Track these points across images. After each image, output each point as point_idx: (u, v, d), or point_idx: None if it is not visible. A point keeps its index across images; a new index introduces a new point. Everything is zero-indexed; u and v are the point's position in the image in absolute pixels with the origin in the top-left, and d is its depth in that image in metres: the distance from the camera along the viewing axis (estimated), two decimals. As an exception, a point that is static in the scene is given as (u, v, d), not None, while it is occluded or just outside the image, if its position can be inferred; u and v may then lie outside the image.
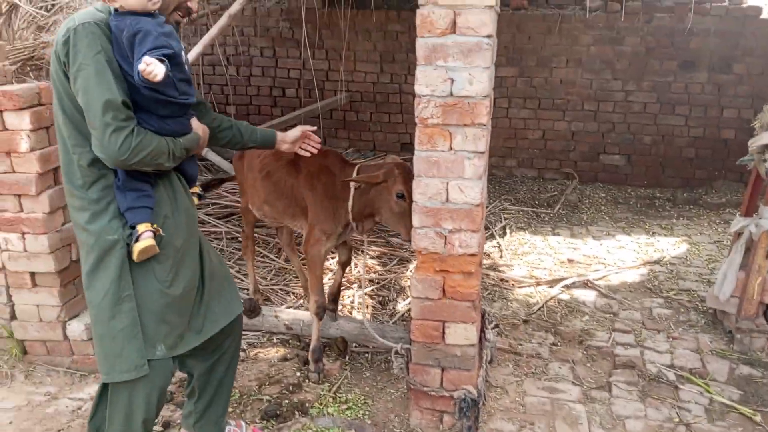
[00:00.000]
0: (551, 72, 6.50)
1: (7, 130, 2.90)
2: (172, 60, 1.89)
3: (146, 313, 2.01)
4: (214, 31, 4.44)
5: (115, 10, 1.89)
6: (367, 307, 3.90)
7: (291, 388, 3.02)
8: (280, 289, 4.07)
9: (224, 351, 2.40)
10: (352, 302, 3.92)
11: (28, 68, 4.39)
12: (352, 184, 2.95)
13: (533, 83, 6.57)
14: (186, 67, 2.00)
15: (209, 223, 4.81)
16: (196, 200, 2.28)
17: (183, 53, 1.97)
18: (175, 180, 2.12)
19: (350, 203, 2.98)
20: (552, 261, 4.58)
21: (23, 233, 3.01)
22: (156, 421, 2.71)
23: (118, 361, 2.01)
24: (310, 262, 3.15)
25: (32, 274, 3.07)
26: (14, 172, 2.95)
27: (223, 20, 4.37)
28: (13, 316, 3.17)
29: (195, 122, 2.16)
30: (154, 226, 1.99)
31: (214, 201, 5.12)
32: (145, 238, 1.95)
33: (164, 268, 2.04)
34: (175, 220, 2.08)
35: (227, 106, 7.26)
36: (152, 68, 1.76)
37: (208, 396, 2.46)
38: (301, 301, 3.92)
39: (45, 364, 3.17)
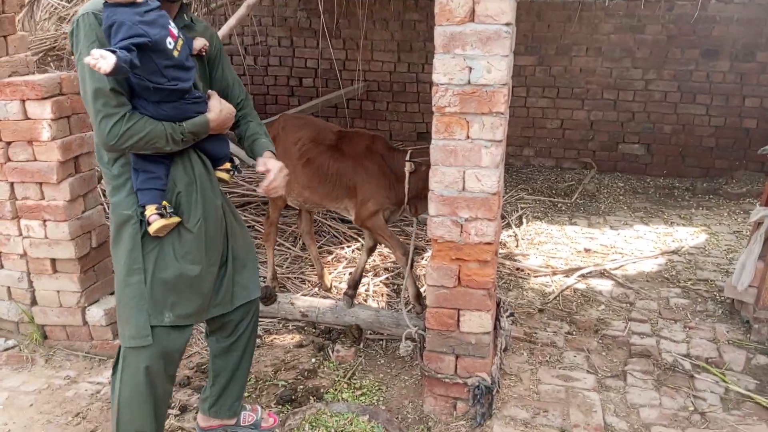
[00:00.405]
0: (571, 60, 6.43)
1: (29, 119, 2.96)
2: (151, 48, 1.88)
3: (157, 281, 2.11)
4: (232, 21, 4.46)
5: (105, 1, 1.91)
6: (382, 295, 3.92)
7: (306, 373, 3.06)
8: (296, 277, 4.11)
9: (239, 335, 2.45)
10: (367, 290, 3.94)
11: (50, 58, 4.47)
12: (407, 168, 3.15)
13: (552, 72, 6.50)
14: (176, 53, 1.97)
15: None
16: (224, 176, 2.29)
17: (170, 39, 1.95)
18: (195, 159, 2.16)
19: (407, 186, 3.19)
20: (568, 250, 4.56)
21: (44, 220, 3.07)
22: (173, 405, 2.78)
23: (127, 327, 2.14)
24: (375, 229, 3.34)
25: (53, 261, 3.13)
26: (36, 160, 3.01)
27: (241, 10, 4.39)
28: (33, 302, 3.24)
29: (214, 102, 2.16)
30: (164, 202, 2.06)
31: (231, 190, 5.16)
32: (153, 221, 2.04)
33: (177, 240, 2.12)
34: (190, 198, 2.14)
35: (245, 96, 7.29)
36: (95, 62, 1.73)
37: (223, 380, 2.50)
38: (316, 289, 3.95)
39: (65, 349, 3.24)
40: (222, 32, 4.45)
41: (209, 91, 2.20)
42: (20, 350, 3.21)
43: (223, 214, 2.29)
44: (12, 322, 3.30)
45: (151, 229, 2.04)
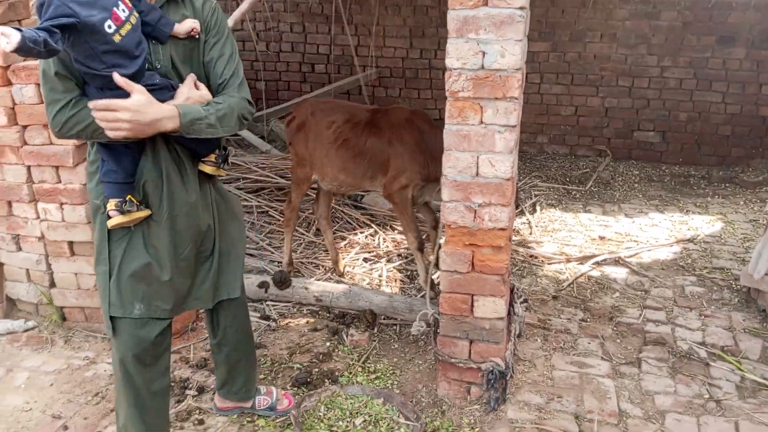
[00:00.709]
0: (585, 47, 6.36)
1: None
2: (83, 30, 1.71)
3: (125, 272, 2.05)
4: (245, 6, 4.45)
5: None
6: (395, 281, 3.92)
7: (321, 357, 3.08)
8: (310, 262, 4.12)
9: (224, 334, 2.43)
10: (380, 276, 3.95)
11: (65, 43, 4.43)
12: None
13: (566, 58, 6.44)
14: (117, 38, 1.78)
15: (239, 197, 4.86)
16: (208, 169, 2.12)
17: (110, 22, 1.75)
18: (163, 150, 2.00)
19: None
20: (583, 238, 4.54)
21: (61, 204, 3.10)
22: (190, 386, 2.82)
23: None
24: (400, 204, 3.38)
25: (70, 243, 3.16)
26: (52, 144, 3.02)
27: (254, -5, 4.38)
28: (52, 284, 3.27)
29: (182, 89, 1.96)
30: (129, 196, 1.97)
31: (245, 176, 5.17)
32: (113, 216, 1.97)
33: (147, 231, 2.05)
34: (157, 191, 2.02)
35: (257, 82, 7.28)
36: None
37: (223, 372, 2.54)
38: (329, 274, 3.96)
39: (83, 330, 3.27)
40: (235, 17, 4.45)
41: (189, 75, 2.01)
42: (40, 331, 3.25)
43: (212, 207, 2.19)
44: (31, 303, 3.34)
45: (109, 224, 1.98)
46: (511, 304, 2.90)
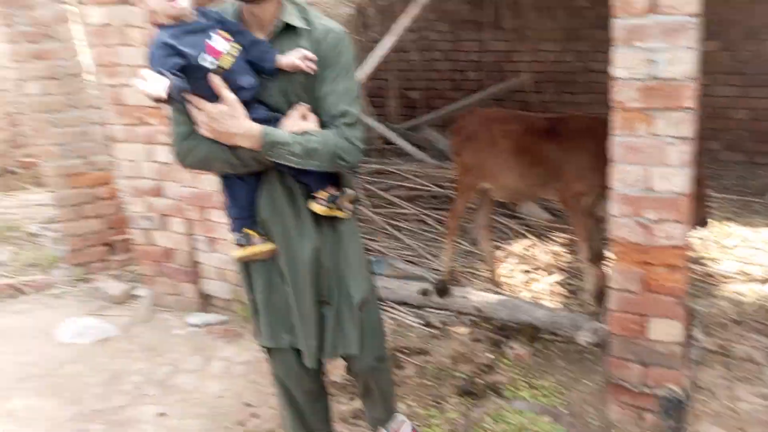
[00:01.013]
0: (761, 44, 5.81)
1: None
2: (189, 69, 1.72)
3: (272, 303, 2.08)
4: (406, 20, 4.65)
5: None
6: (556, 294, 3.86)
7: (483, 368, 3.11)
8: (468, 271, 4.17)
9: (357, 379, 2.40)
10: (540, 289, 3.91)
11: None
12: None
13: (740, 57, 5.92)
14: (218, 72, 1.78)
15: (397, 204, 5.04)
16: (317, 209, 1.97)
17: (205, 56, 1.74)
18: (277, 186, 1.97)
19: None
20: (766, 256, 4.16)
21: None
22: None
23: None
24: (576, 212, 3.38)
25: (255, 247, 3.47)
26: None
27: (414, 9, 4.56)
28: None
29: (287, 122, 1.89)
30: (245, 230, 1.99)
31: (400, 183, 5.34)
32: (234, 250, 2.01)
33: (280, 266, 2.05)
34: (275, 227, 2.00)
35: (410, 92, 7.45)
36: (142, 85, 1.52)
37: (359, 394, 2.57)
38: (486, 284, 3.98)
39: (269, 326, 3.59)
40: (398, 31, 4.64)
41: (300, 105, 1.91)
42: (231, 325, 3.61)
43: (329, 252, 2.06)
44: (223, 299, 3.71)
45: (231, 256, 2.02)
46: (688, 328, 2.76)
